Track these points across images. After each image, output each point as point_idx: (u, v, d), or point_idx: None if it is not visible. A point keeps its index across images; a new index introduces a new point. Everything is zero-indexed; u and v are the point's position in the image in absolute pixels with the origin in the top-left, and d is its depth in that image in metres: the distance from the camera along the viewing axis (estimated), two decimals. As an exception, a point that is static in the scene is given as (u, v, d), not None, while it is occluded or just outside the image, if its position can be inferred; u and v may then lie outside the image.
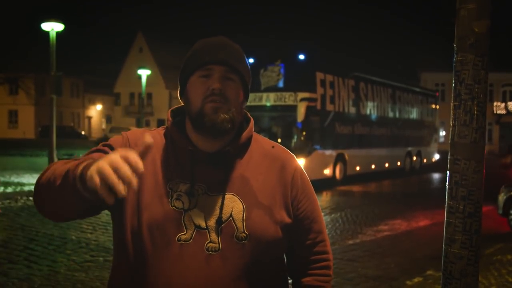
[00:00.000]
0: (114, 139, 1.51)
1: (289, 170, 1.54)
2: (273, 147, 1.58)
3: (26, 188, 12.38)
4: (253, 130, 1.57)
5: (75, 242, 7.34)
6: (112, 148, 1.46)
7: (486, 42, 1.94)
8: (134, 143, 1.48)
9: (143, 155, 1.18)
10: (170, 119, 1.53)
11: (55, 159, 13.71)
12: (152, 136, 1.50)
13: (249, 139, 1.54)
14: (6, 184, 13.06)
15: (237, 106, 1.45)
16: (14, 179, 14.49)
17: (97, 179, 1.10)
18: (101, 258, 6.46)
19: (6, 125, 52.61)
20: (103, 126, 63.37)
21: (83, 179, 1.18)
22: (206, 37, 1.53)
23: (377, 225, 9.72)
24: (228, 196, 1.43)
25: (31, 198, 11.63)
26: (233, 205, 1.43)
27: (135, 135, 1.52)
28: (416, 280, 5.91)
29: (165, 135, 1.52)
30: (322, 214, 1.65)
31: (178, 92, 1.53)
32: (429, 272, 6.20)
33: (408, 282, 5.82)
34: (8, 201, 11.08)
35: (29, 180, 14.27)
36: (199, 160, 1.45)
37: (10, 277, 5.67)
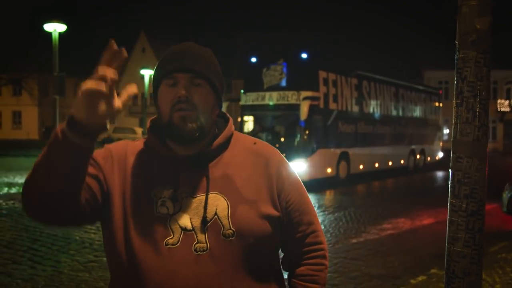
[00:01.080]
0: (96, 151, 1.51)
1: (273, 164, 1.55)
2: (254, 143, 1.59)
3: (30, 189, 12.41)
4: (234, 129, 1.58)
5: (78, 243, 7.35)
6: (94, 160, 1.46)
7: (488, 39, 1.93)
8: (117, 156, 1.50)
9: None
10: (149, 128, 1.54)
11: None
12: (133, 146, 1.54)
13: (229, 138, 1.55)
14: (10, 185, 13.10)
15: (206, 112, 1.46)
16: (18, 180, 14.53)
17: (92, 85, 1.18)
18: (104, 258, 6.45)
19: (10, 126, 52.76)
20: (107, 126, 63.43)
21: (72, 121, 1.22)
22: (176, 44, 1.54)
23: (380, 224, 9.70)
24: (211, 196, 1.44)
25: (35, 198, 11.66)
26: (217, 203, 1.44)
27: (117, 148, 1.53)
28: (420, 278, 5.89)
29: (146, 143, 1.54)
30: (314, 206, 1.65)
31: (153, 100, 1.55)
32: (433, 270, 6.18)
33: (412, 281, 5.81)
34: (12, 201, 11.11)
35: (33, 180, 14.31)
36: (180, 165, 1.47)
37: (14, 278, 5.68)
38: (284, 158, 1.61)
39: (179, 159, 1.47)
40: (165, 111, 1.45)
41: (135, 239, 1.41)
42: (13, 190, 12.15)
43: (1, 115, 52.86)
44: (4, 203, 10.84)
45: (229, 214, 1.43)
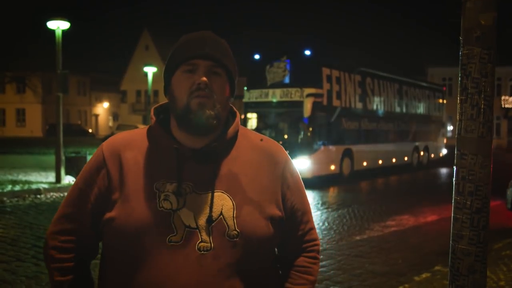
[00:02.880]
0: (89, 165, 1.50)
1: (279, 163, 1.53)
2: (261, 140, 1.57)
3: (34, 186, 12.43)
4: (240, 124, 1.55)
5: (82, 240, 7.36)
6: (85, 191, 1.47)
7: (493, 35, 1.91)
8: (112, 156, 1.46)
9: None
10: (154, 117, 1.49)
11: (62, 157, 13.78)
12: (133, 138, 1.50)
13: (236, 133, 1.52)
14: (14, 182, 13.12)
15: (222, 102, 1.43)
16: (22, 177, 14.55)
17: None
18: (108, 256, 6.48)
19: (14, 123, 52.93)
20: (110, 123, 63.66)
21: None
22: (192, 32, 1.51)
23: (384, 221, 9.68)
24: (217, 194, 1.42)
25: (38, 196, 11.69)
26: (222, 202, 1.41)
27: (113, 145, 1.49)
28: (424, 275, 5.87)
29: (148, 135, 1.50)
30: (317, 203, 1.66)
31: (163, 89, 1.51)
32: (437, 267, 6.16)
33: (416, 278, 5.79)
34: (16, 199, 11.14)
35: (37, 178, 14.33)
36: (185, 158, 1.43)
37: (19, 275, 5.70)
38: (289, 156, 1.60)
39: (184, 152, 1.42)
40: (181, 98, 1.41)
41: (136, 235, 1.37)
42: (17, 188, 12.17)
43: (5, 113, 53.03)
44: (8, 201, 10.87)
45: (234, 215, 1.41)
